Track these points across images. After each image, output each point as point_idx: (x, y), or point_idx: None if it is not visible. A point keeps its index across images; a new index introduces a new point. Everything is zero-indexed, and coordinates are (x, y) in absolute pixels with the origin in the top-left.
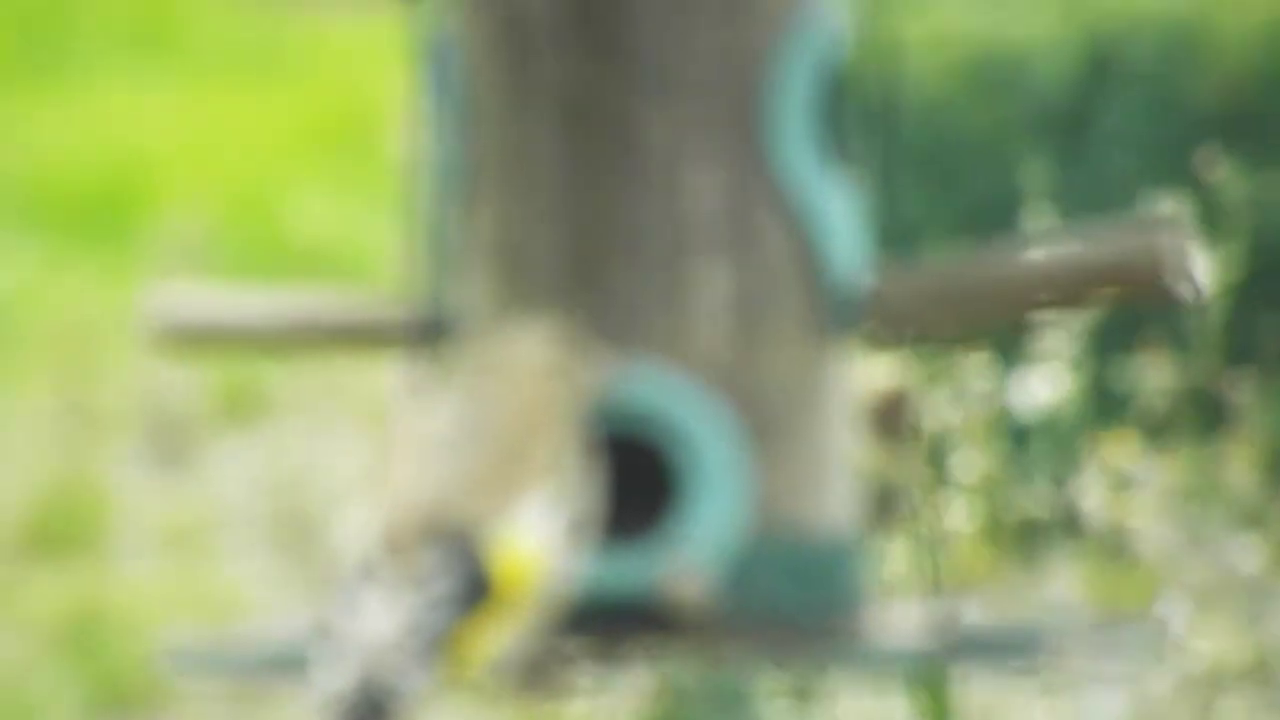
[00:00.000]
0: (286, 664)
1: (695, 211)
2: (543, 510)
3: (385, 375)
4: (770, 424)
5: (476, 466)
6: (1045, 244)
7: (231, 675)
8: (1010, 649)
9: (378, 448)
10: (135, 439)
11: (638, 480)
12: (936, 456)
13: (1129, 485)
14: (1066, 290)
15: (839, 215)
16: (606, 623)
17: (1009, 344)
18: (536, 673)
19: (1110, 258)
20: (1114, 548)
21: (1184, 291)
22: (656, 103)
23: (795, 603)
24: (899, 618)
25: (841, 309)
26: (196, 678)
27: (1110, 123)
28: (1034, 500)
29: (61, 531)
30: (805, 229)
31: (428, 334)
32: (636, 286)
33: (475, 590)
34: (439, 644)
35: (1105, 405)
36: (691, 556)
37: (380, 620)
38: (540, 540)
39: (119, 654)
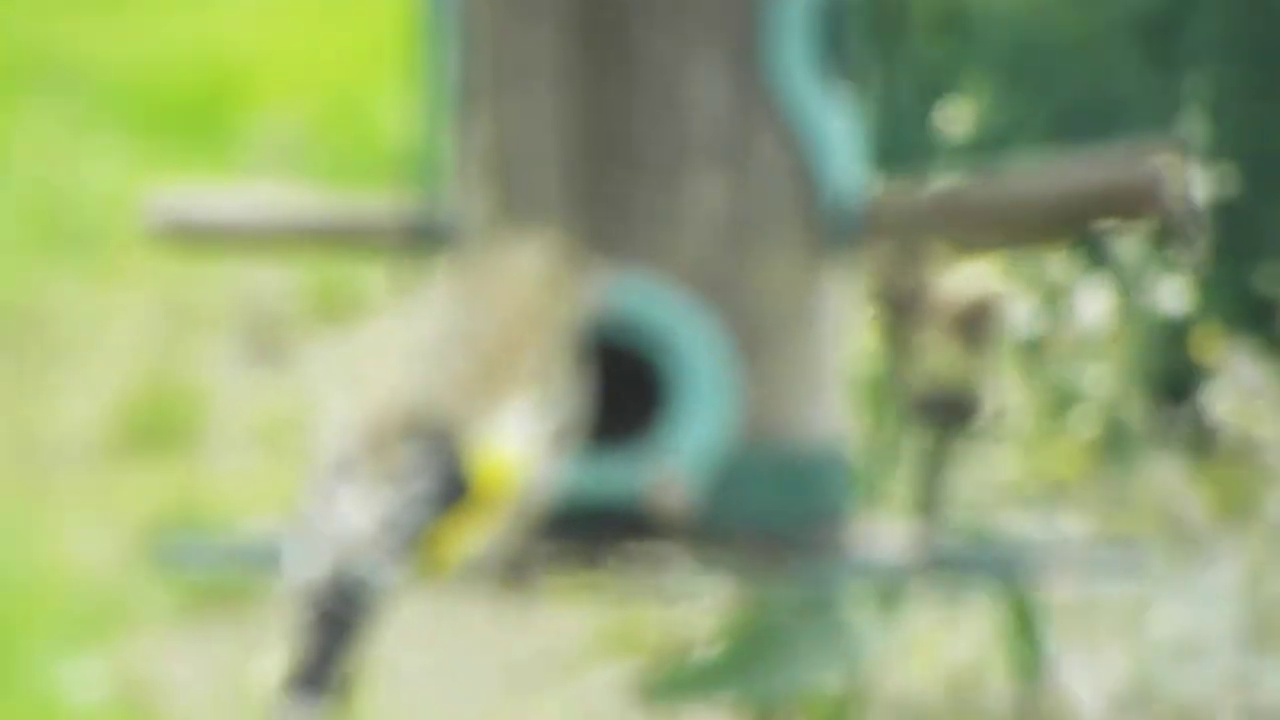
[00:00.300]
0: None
1: (693, 124)
2: (526, 416)
3: None
4: (761, 336)
5: (462, 370)
6: (1045, 169)
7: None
8: (988, 567)
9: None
10: (231, 337)
11: (627, 388)
12: (1032, 365)
13: (1258, 394)
14: (1061, 216)
15: (838, 132)
16: (590, 528)
17: (1096, 250)
18: (514, 573)
19: (1103, 183)
20: (1241, 456)
21: (1182, 217)
22: (657, 13)
23: (780, 513)
24: (884, 532)
25: (837, 225)
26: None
27: (1204, 27)
28: (1136, 409)
29: (157, 428)
30: (803, 144)
31: (422, 240)
32: (632, 197)
33: (453, 489)
34: (414, 541)
35: (1234, 312)
36: (677, 464)
37: (355, 515)
38: (522, 445)
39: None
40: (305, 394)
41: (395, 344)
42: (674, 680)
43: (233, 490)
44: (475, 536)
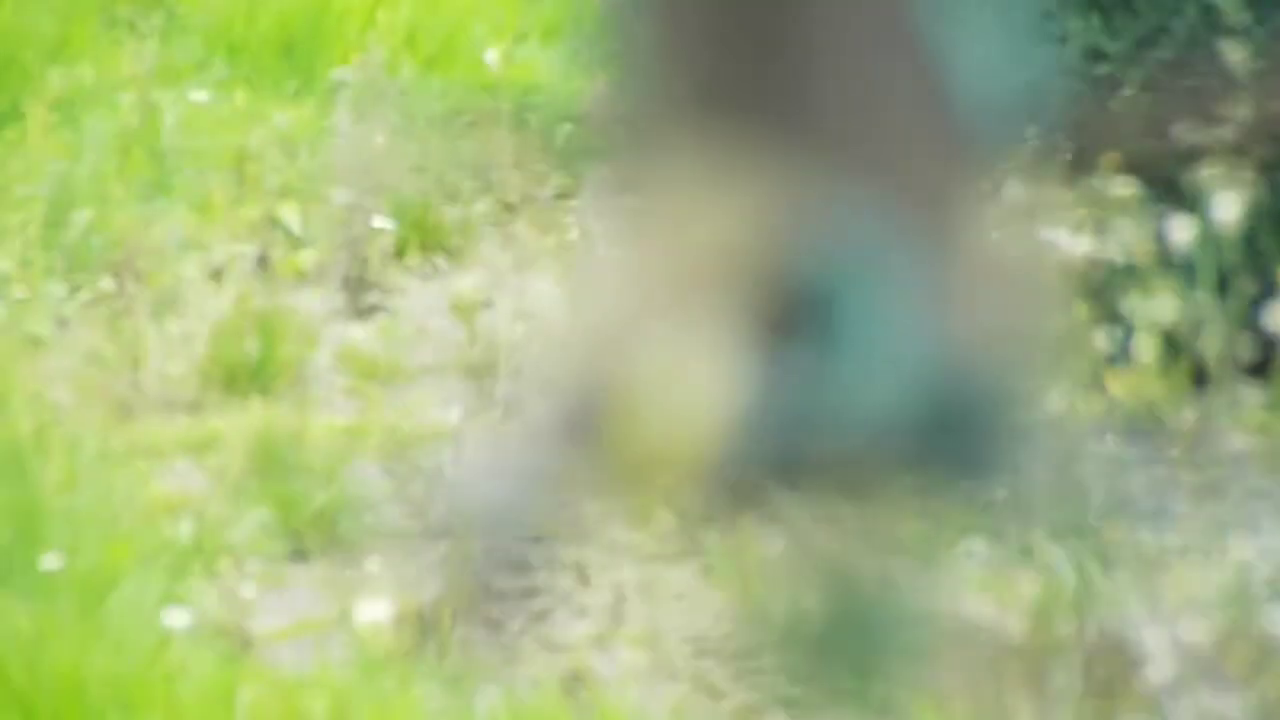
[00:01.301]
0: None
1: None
2: (707, 348)
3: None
4: (936, 255)
5: (646, 305)
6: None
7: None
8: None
9: (555, 286)
10: (327, 276)
11: (803, 308)
12: (1110, 292)
13: None
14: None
15: (988, 45)
16: (774, 456)
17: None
18: (713, 503)
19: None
20: None
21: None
22: None
23: (951, 448)
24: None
25: (989, 141)
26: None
27: None
28: (1216, 337)
29: (253, 365)
30: (951, 62)
31: (599, 151)
32: (820, 106)
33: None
34: (594, 476)
35: None
36: (858, 388)
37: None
38: (704, 379)
39: (309, 486)
40: (399, 333)
41: (585, 281)
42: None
43: (328, 433)
44: (666, 469)
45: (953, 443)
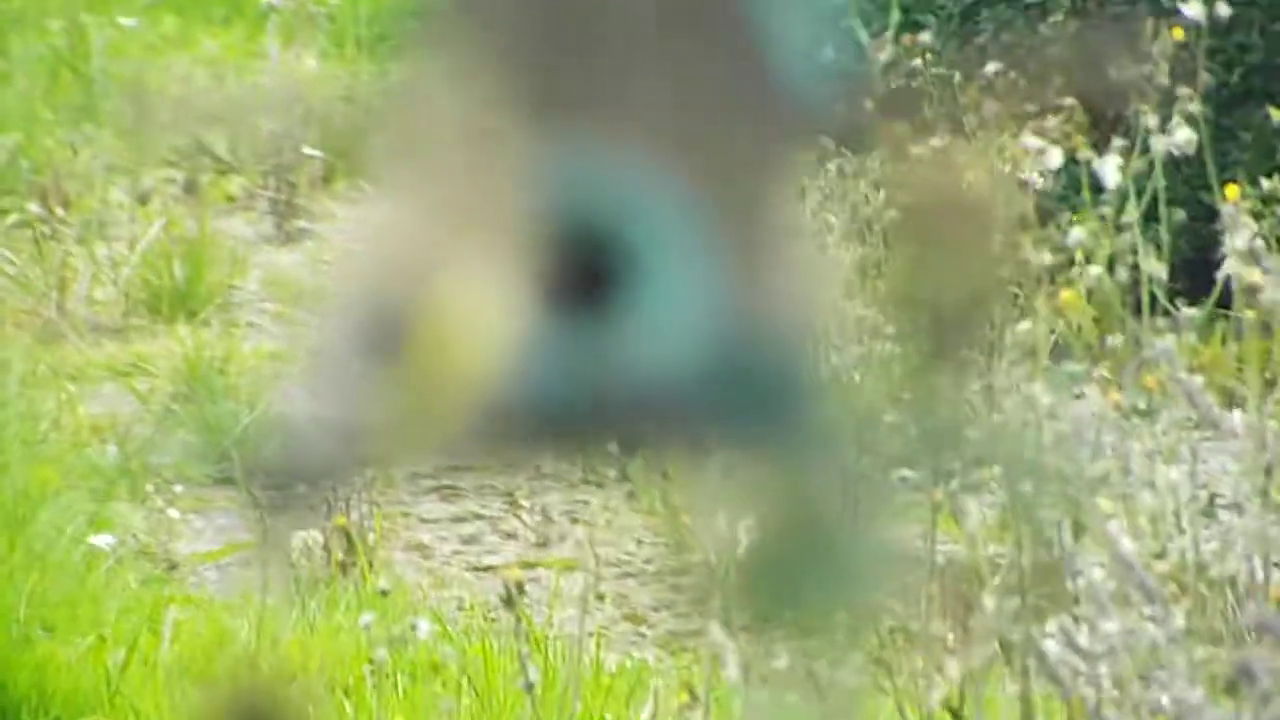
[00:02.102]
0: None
1: None
2: (482, 282)
3: None
4: (730, 208)
5: (418, 241)
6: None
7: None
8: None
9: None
10: (255, 202)
11: (588, 264)
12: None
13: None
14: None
15: None
16: (554, 415)
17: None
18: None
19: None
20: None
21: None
22: None
23: (746, 402)
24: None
25: (808, 91)
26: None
27: None
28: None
29: (181, 291)
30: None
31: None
32: (596, 58)
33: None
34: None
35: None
36: (644, 343)
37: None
38: (477, 314)
39: (235, 410)
40: (323, 262)
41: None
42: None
43: (254, 358)
44: (435, 407)
45: (741, 400)
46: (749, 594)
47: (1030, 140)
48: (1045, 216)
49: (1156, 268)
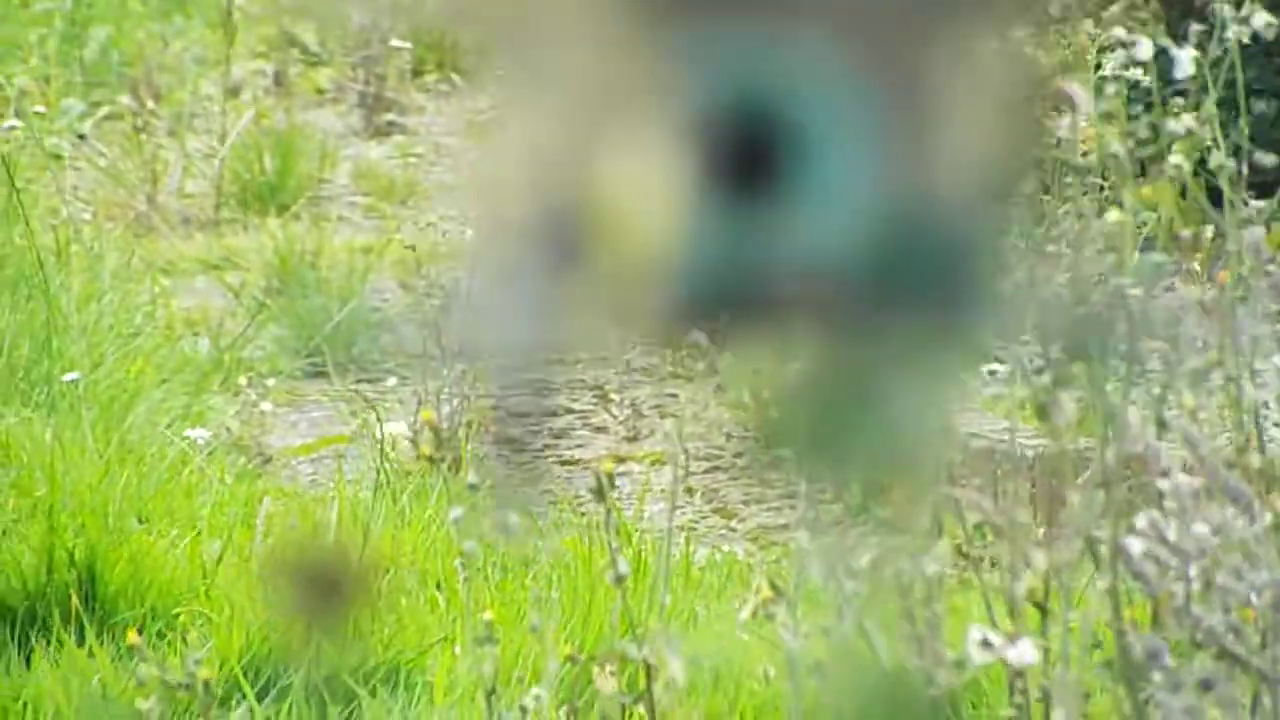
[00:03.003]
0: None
1: None
2: (642, 171)
3: None
4: (895, 84)
5: (564, 133)
6: None
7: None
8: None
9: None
10: (344, 95)
11: (752, 145)
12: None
13: None
14: None
15: None
16: (719, 297)
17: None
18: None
19: None
20: None
21: None
22: None
23: (915, 282)
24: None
25: None
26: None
27: None
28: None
29: (271, 184)
30: None
31: None
32: None
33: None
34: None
35: None
36: (812, 224)
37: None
38: (643, 203)
39: (327, 304)
40: (412, 155)
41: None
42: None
43: (346, 252)
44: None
45: (922, 282)
46: (817, 452)
47: (1119, 31)
48: (1133, 107)
49: (1227, 161)
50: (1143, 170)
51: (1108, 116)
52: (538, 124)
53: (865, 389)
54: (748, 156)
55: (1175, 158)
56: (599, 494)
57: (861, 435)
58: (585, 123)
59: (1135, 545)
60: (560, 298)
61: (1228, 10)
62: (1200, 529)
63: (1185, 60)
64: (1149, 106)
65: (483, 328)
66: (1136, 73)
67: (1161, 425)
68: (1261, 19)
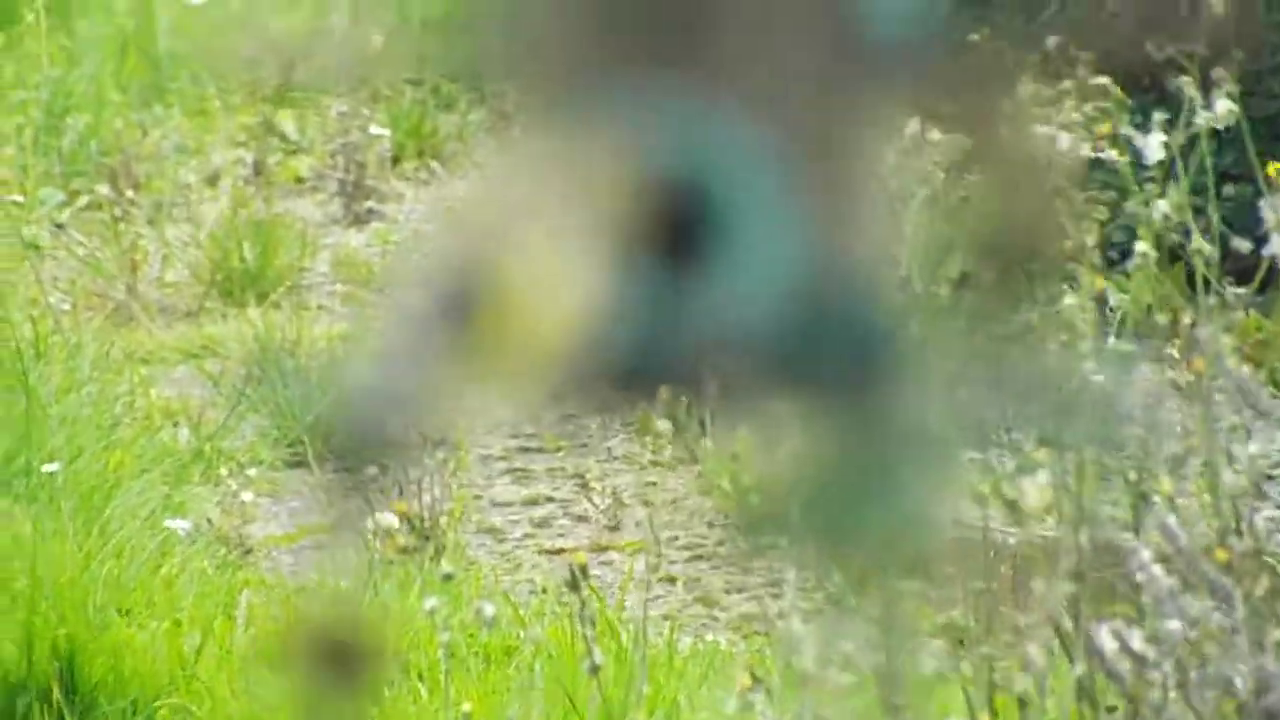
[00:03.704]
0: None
1: None
2: (561, 242)
3: None
4: (815, 158)
5: (521, 206)
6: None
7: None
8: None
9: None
10: (323, 183)
11: (675, 216)
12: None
13: None
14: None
15: None
16: (640, 370)
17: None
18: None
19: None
20: None
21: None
22: None
23: (831, 349)
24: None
25: (895, 42)
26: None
27: None
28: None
29: (251, 272)
30: None
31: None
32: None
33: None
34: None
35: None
36: (730, 293)
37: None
38: (574, 282)
39: (307, 393)
40: (392, 239)
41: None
42: (761, 520)
43: (325, 340)
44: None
45: (831, 356)
46: (808, 534)
47: (1076, 115)
48: (1096, 190)
49: (1205, 245)
50: (1123, 256)
51: (1074, 199)
52: (466, 201)
53: (845, 472)
54: (671, 228)
55: (1142, 245)
56: (573, 584)
57: (845, 520)
58: (513, 193)
59: (1108, 641)
60: (452, 374)
61: (1195, 95)
62: (1174, 625)
63: (1154, 146)
64: (1121, 191)
65: (376, 397)
66: (1109, 154)
67: (1137, 513)
68: (1223, 105)
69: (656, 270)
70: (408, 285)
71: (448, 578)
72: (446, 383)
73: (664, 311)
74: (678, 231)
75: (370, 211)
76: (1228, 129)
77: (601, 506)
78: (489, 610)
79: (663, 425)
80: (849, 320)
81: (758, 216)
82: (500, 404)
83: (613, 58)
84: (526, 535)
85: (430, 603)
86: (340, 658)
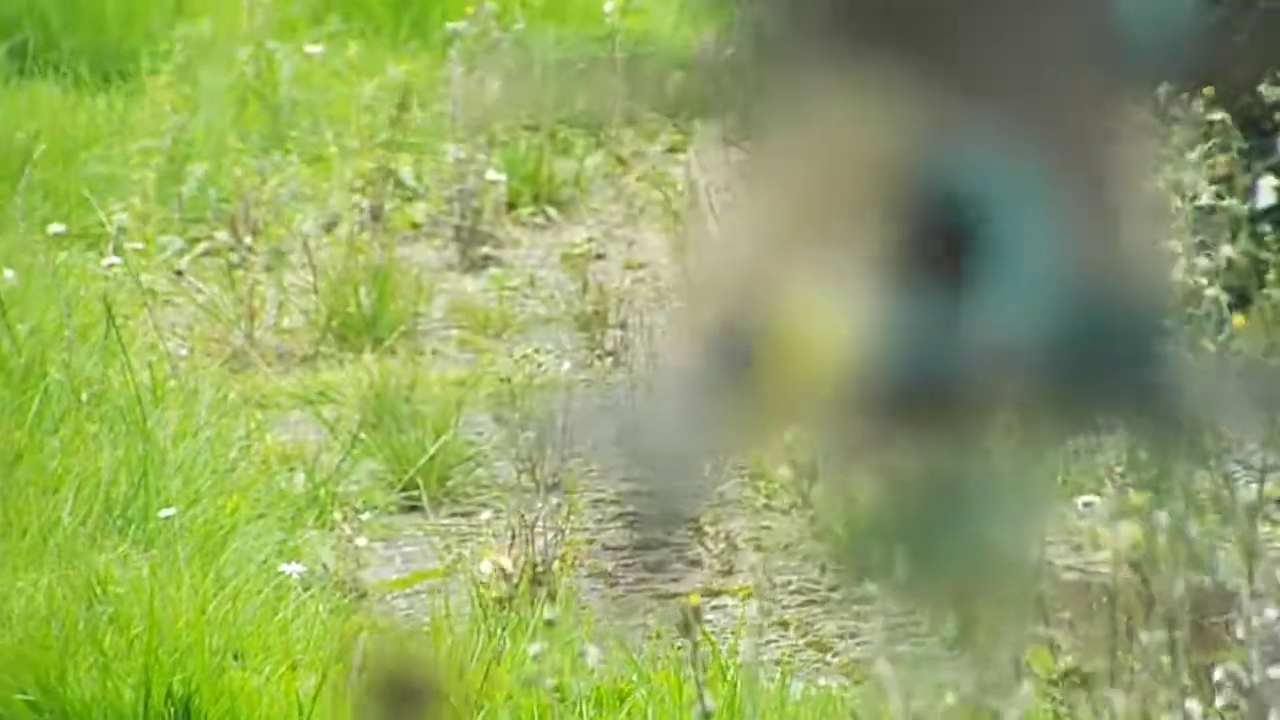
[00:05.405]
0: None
1: None
2: (849, 284)
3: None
4: (1082, 171)
5: (782, 246)
6: None
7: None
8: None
9: (664, 239)
10: (439, 229)
11: (944, 234)
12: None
13: None
14: None
15: None
16: (906, 397)
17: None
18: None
19: None
20: None
21: None
22: None
23: (1103, 364)
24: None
25: (1152, 56)
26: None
27: None
28: None
29: (367, 318)
30: None
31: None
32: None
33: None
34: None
35: None
36: (1002, 310)
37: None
38: (848, 314)
39: (422, 438)
40: (511, 285)
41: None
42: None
43: (441, 385)
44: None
45: (1100, 377)
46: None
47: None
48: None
49: None
50: (1243, 301)
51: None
52: (740, 233)
53: (965, 508)
54: (942, 244)
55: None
56: (686, 629)
57: (954, 562)
58: (784, 226)
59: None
60: (736, 405)
61: None
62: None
63: (1265, 189)
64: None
65: (653, 434)
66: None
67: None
68: None
69: (931, 290)
70: (684, 345)
71: (550, 623)
72: (736, 439)
73: (944, 333)
74: (948, 247)
75: (486, 257)
76: None
77: (715, 551)
78: (594, 654)
79: (783, 472)
80: (1130, 333)
81: (1027, 228)
82: (790, 448)
83: (867, 70)
84: (640, 579)
85: (535, 648)
86: (425, 700)
